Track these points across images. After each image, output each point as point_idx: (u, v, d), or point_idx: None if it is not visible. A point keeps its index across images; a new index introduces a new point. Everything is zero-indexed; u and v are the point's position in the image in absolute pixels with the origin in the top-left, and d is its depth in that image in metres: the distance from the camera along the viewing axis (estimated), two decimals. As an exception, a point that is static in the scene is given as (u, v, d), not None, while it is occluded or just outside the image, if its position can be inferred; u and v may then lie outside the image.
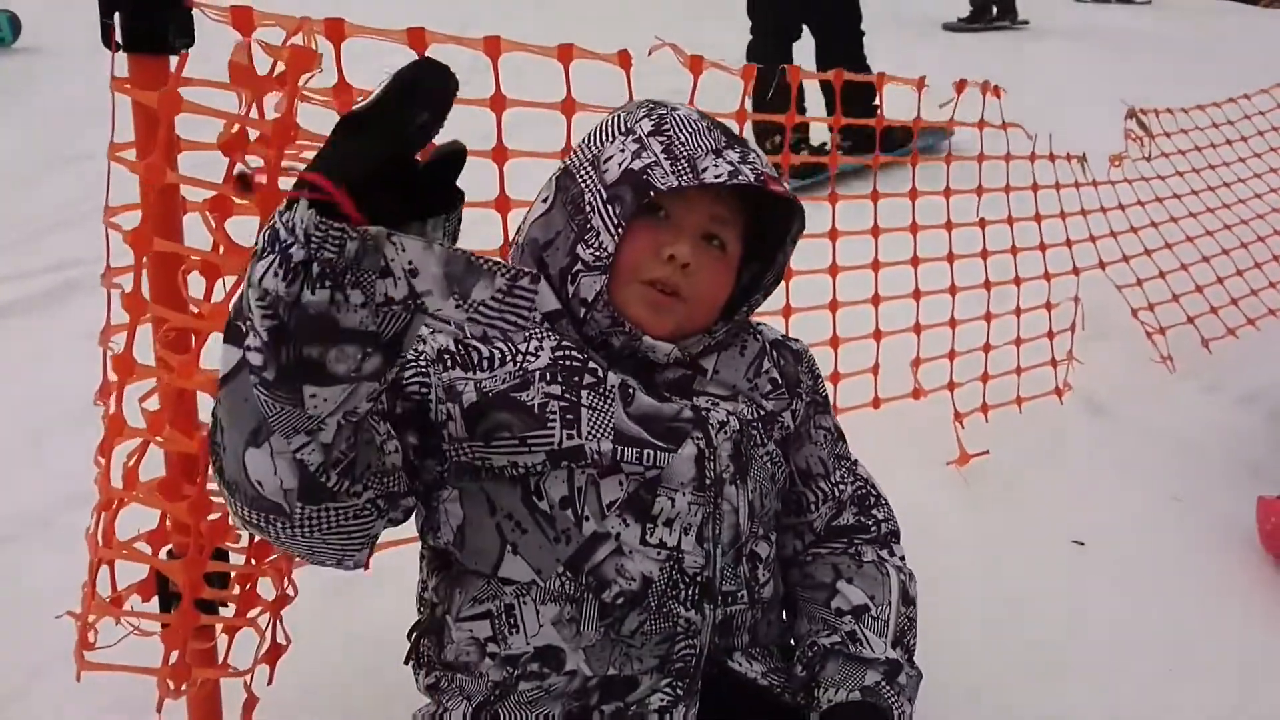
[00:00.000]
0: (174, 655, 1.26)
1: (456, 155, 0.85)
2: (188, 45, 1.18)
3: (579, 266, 1.11)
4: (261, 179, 1.12)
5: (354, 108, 0.82)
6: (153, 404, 1.25)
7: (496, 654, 1.10)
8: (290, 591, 1.36)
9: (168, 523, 1.30)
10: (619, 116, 1.18)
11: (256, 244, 0.81)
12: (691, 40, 1.83)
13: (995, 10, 7.11)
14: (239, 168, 1.16)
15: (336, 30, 1.30)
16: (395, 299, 0.81)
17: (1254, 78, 3.98)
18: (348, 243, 0.77)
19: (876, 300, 2.34)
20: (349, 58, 1.32)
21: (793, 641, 1.25)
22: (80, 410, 1.20)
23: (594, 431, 1.09)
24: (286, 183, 1.08)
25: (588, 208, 1.11)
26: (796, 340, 1.32)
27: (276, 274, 0.78)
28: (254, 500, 0.90)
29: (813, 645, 1.19)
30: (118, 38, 1.15)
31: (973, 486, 2.30)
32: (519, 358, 1.11)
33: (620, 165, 1.11)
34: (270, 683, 1.38)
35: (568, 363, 1.11)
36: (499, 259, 0.83)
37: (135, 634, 1.27)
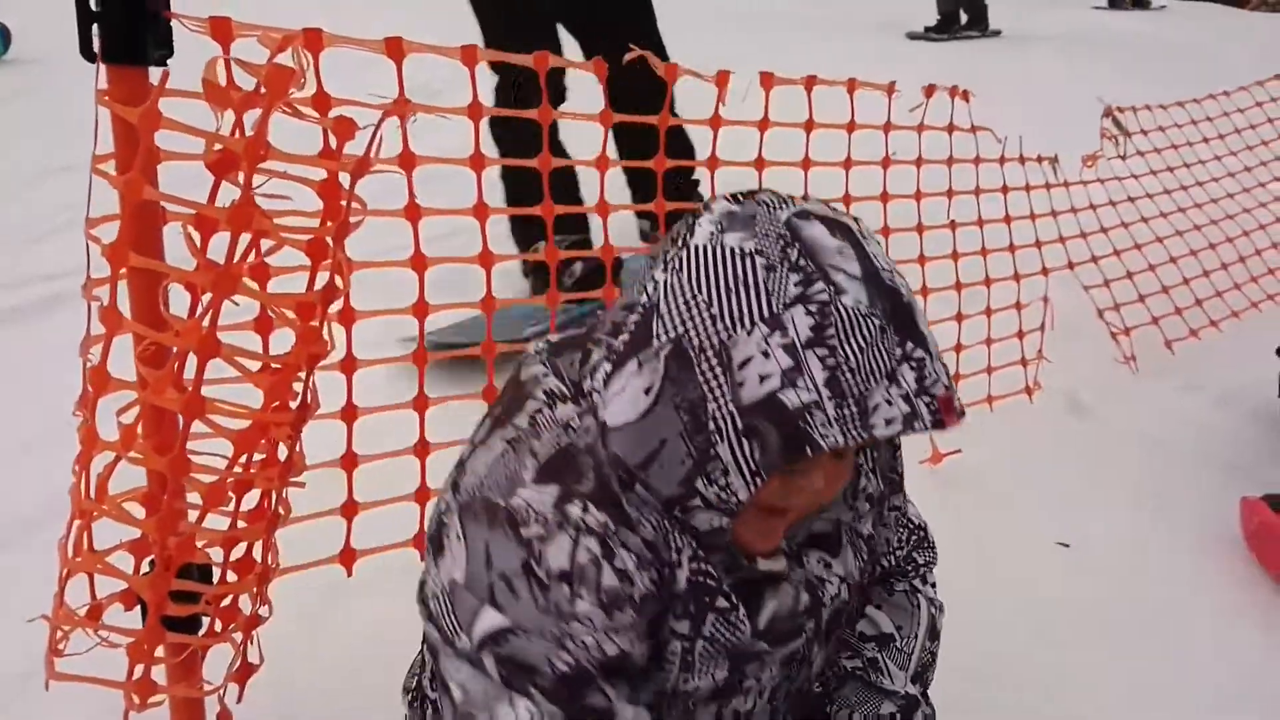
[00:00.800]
0: (139, 669, 1.24)
1: None
2: (167, 56, 1.17)
3: (696, 502, 0.87)
4: None
5: None
6: (129, 418, 1.22)
7: None
8: (264, 611, 1.35)
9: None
10: (758, 278, 0.82)
11: None
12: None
13: (965, 19, 7.10)
14: None
15: (315, 41, 1.31)
16: None
17: (1240, 80, 3.97)
18: None
19: (851, 302, 2.35)
20: (328, 68, 1.34)
21: None
22: (71, 419, 1.23)
23: (706, 666, 0.98)
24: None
25: (713, 430, 0.83)
26: None
27: None
28: None
29: (833, 665, 1.18)
30: (95, 48, 1.13)
31: (946, 484, 2.32)
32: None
33: (764, 385, 0.81)
34: (240, 701, 1.37)
35: (700, 580, 0.94)
36: None
37: (103, 645, 1.27)
